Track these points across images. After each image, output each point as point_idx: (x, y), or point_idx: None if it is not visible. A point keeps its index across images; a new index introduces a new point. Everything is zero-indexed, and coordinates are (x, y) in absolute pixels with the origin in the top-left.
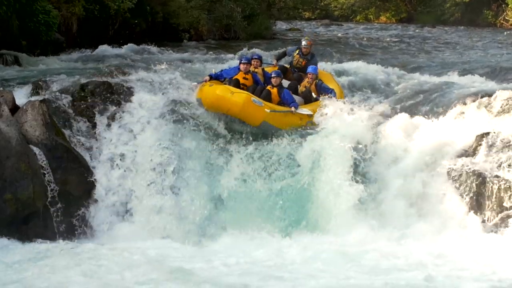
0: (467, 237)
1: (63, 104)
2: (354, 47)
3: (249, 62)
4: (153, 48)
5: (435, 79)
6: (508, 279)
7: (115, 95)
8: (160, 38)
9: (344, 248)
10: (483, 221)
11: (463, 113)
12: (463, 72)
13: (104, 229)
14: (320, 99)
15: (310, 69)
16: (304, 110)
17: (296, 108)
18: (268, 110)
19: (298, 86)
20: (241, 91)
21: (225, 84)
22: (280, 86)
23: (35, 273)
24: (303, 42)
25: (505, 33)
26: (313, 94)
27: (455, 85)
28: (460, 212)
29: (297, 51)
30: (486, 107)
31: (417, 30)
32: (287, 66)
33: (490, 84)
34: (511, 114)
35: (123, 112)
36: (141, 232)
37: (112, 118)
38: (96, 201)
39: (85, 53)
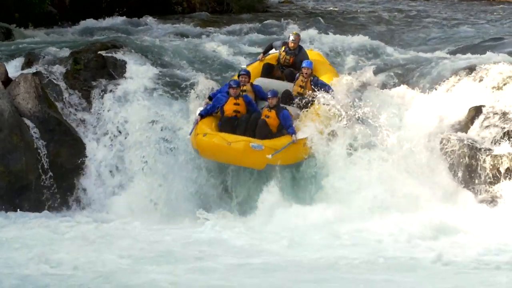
0: (459, 209)
1: (56, 77)
2: (345, 21)
3: (238, 86)
4: (146, 20)
5: (428, 54)
6: (498, 251)
7: (107, 68)
8: (153, 11)
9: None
10: (475, 194)
11: (456, 87)
12: (456, 46)
13: (95, 202)
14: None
15: (305, 63)
16: (301, 134)
17: (295, 134)
18: (270, 156)
19: (293, 84)
20: (238, 137)
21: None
22: (277, 107)
23: (26, 245)
24: (291, 37)
25: (492, 7)
26: (308, 93)
27: (447, 60)
28: (451, 185)
29: (283, 48)
30: (479, 81)
31: (410, 4)
32: (273, 63)
33: (483, 58)
34: (504, 88)
35: (115, 85)
36: (131, 206)
37: (104, 91)
38: (87, 174)
39: (78, 26)
